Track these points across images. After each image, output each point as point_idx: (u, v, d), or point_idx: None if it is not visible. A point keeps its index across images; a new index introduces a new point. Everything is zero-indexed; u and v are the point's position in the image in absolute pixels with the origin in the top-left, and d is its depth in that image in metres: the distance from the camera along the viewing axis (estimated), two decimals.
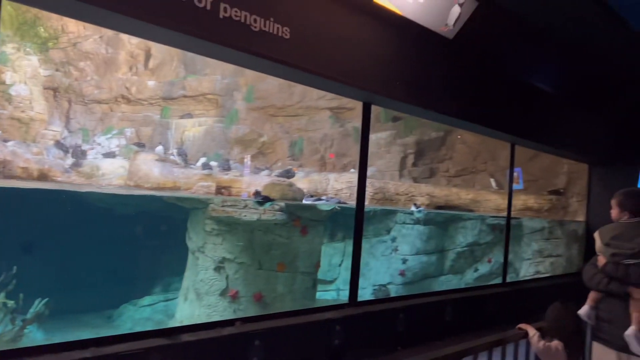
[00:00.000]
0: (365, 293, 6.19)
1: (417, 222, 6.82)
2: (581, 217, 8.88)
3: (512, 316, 6.60)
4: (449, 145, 9.95)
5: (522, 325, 2.67)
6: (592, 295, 2.54)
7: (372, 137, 9.98)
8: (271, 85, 8.70)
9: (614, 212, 2.36)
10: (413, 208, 6.82)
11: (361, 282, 5.25)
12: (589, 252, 8.49)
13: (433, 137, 9.87)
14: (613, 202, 2.41)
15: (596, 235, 2.43)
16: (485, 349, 2.42)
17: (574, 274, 8.41)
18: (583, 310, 2.53)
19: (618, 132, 8.30)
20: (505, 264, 6.94)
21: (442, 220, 6.99)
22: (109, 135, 6.64)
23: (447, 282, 7.05)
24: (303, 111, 8.66)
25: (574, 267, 8.58)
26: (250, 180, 6.05)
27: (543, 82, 6.87)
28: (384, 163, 9.55)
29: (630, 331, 2.28)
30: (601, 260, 2.39)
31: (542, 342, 2.53)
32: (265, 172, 6.78)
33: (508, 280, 7.02)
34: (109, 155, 6.04)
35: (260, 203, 4.68)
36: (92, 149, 6.12)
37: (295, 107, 8.61)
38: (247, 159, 7.13)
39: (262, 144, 8.02)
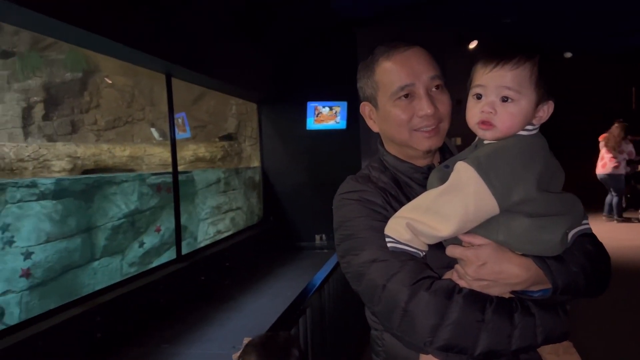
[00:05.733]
0: None
1: (42, 196, 4.55)
2: (256, 162, 8.10)
3: (194, 298, 5.19)
4: (93, 90, 7.64)
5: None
6: None
7: None
8: None
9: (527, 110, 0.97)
10: None
11: None
12: (268, 199, 7.81)
13: (69, 79, 7.38)
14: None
15: (476, 177, 0.92)
16: None
17: (255, 226, 7.63)
18: None
19: (281, 66, 7.64)
20: (178, 232, 5.41)
21: (82, 188, 4.88)
22: None
23: (103, 269, 5.10)
24: None
25: (255, 218, 7.79)
26: None
27: None
28: None
29: None
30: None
31: None
32: None
33: (185, 251, 5.53)
34: None
35: None
36: None
37: None
38: None
39: None
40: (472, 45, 8.95)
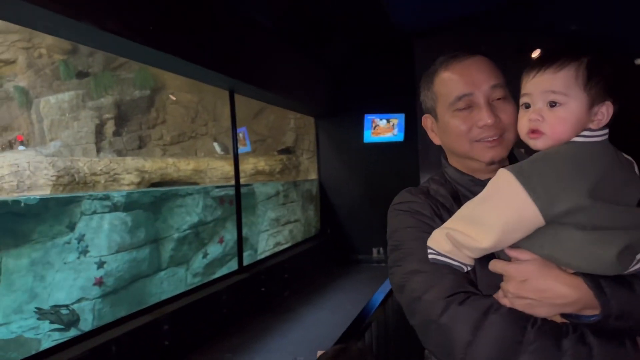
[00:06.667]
0: (22, 325, 4.02)
1: (114, 208, 4.80)
2: (313, 175, 8.18)
3: (255, 308, 5.28)
4: (159, 107, 8.01)
5: None
6: None
7: (51, 100, 7.31)
8: None
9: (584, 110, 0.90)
10: None
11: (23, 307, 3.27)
12: (325, 212, 7.85)
13: (138, 97, 7.78)
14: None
15: (515, 184, 0.89)
16: None
17: (313, 238, 7.68)
18: None
19: (338, 80, 7.70)
20: (240, 243, 5.54)
21: (150, 201, 5.11)
22: None
23: (169, 279, 5.31)
24: None
25: (312, 231, 7.84)
26: None
27: (261, 13, 5.52)
28: (72, 134, 7.05)
29: None
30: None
31: None
32: None
33: (246, 262, 5.65)
34: None
35: None
36: None
37: None
38: None
39: None
40: (535, 54, 8.69)
